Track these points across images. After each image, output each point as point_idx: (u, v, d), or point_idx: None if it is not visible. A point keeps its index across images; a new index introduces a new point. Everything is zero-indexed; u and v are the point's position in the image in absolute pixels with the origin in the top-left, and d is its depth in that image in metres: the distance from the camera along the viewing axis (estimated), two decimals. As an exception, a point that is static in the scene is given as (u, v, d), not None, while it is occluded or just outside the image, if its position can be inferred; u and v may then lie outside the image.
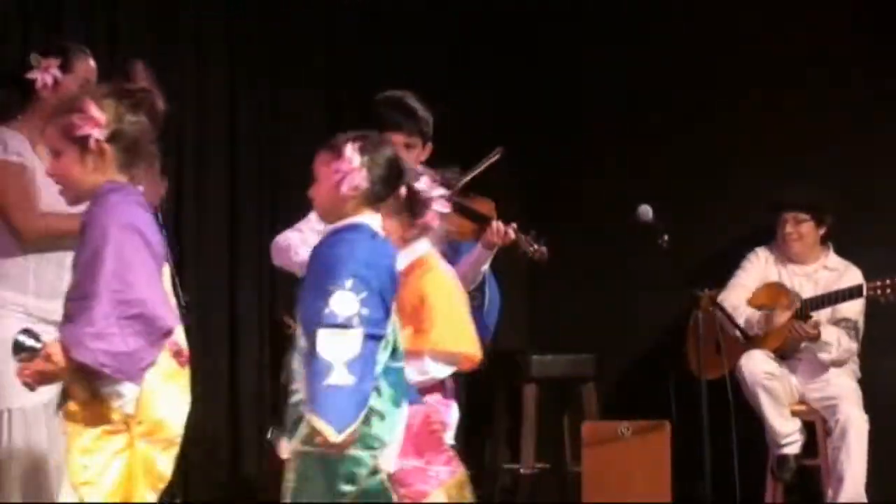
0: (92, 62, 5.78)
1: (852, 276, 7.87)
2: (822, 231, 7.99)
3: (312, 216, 5.65)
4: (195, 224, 7.84)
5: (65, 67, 5.66)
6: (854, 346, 7.89)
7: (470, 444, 8.59)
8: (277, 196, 8.21)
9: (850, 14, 8.34)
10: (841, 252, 8.07)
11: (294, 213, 7.81)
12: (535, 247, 5.46)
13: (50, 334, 5.00)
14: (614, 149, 8.97)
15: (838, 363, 7.81)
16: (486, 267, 5.62)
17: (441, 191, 5.21)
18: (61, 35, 7.18)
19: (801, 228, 7.95)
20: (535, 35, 9.31)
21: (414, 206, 5.02)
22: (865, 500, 7.65)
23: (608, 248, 8.70)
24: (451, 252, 5.55)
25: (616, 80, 9.01)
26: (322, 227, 5.40)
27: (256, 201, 8.16)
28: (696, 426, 7.02)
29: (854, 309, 7.85)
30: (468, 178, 5.78)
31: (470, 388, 8.47)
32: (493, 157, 5.88)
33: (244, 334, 7.99)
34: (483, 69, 9.29)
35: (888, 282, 7.56)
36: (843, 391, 7.75)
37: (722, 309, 7.37)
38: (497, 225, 5.42)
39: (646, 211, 7.09)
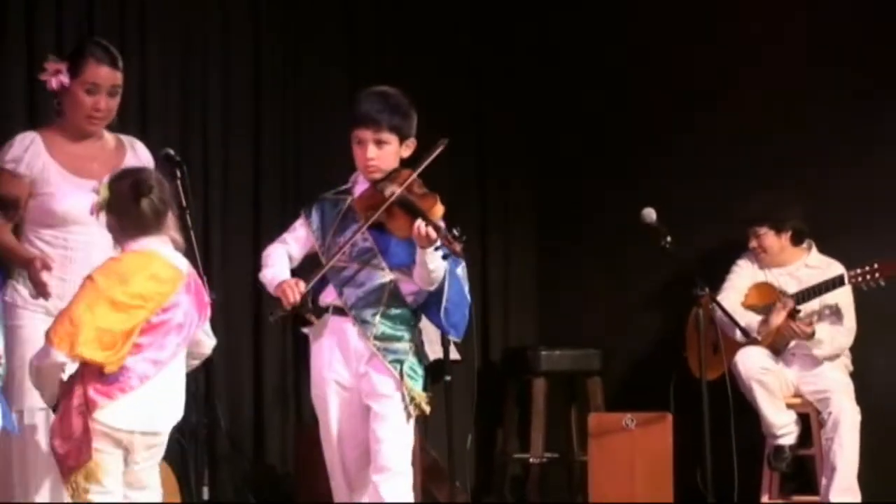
0: (102, 68, 5.57)
1: (834, 270, 7.84)
2: (786, 236, 7.97)
3: (297, 224, 5.66)
4: (221, 230, 7.81)
5: (73, 72, 5.55)
6: (846, 341, 7.88)
7: (482, 435, 8.69)
8: (300, 198, 7.80)
9: (829, 31, 8.25)
10: (828, 249, 8.03)
11: None
12: (453, 244, 5.24)
13: None
14: (621, 155, 8.89)
15: (830, 357, 7.81)
16: (434, 266, 5.36)
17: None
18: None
19: (763, 241, 7.95)
20: (549, 44, 9.23)
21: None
22: (858, 489, 7.63)
23: (614, 250, 8.67)
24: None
25: (623, 92, 8.93)
26: (304, 234, 5.61)
27: (279, 207, 8.04)
28: (697, 418, 7.06)
29: (844, 302, 7.84)
30: (417, 171, 5.48)
31: (482, 381, 8.44)
32: (439, 149, 5.52)
33: (267, 331, 7.91)
34: (502, 76, 9.21)
35: (867, 269, 7.54)
36: (835, 384, 7.72)
37: (721, 308, 7.36)
38: (417, 224, 5.23)
39: (649, 214, 7.09)
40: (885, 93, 8.19)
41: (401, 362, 5.41)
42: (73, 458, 4.95)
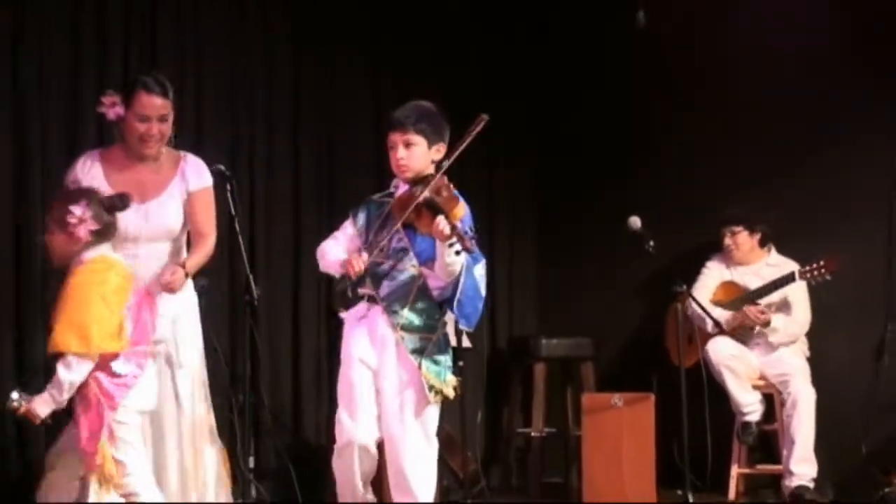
0: (152, 98, 5.59)
1: (790, 267, 7.89)
2: (756, 237, 8.08)
3: (346, 223, 5.70)
4: (264, 234, 7.82)
5: (127, 103, 5.59)
6: (798, 330, 7.97)
7: (490, 412, 8.90)
8: (333, 208, 8.02)
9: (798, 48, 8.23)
10: (788, 250, 8.09)
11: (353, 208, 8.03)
12: (465, 241, 5.24)
13: None
14: (613, 170, 8.91)
15: (784, 344, 7.89)
16: (450, 260, 5.32)
17: None
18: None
19: (737, 238, 8.05)
20: (549, 49, 9.25)
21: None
22: (814, 459, 7.67)
23: (606, 251, 8.71)
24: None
25: (617, 111, 8.94)
26: (352, 232, 5.66)
27: (315, 214, 8.05)
28: (675, 399, 7.13)
29: (799, 296, 7.92)
30: (458, 151, 5.48)
31: (490, 365, 8.64)
32: (478, 127, 5.51)
33: (305, 325, 7.97)
34: (517, 85, 9.20)
35: (814, 266, 7.64)
36: (794, 369, 7.82)
37: (697, 302, 7.43)
38: (437, 220, 5.22)
39: (635, 221, 7.17)
40: (841, 115, 8.15)
41: (421, 352, 5.44)
42: (99, 455, 5.13)
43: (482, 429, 8.75)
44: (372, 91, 8.51)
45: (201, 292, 6.38)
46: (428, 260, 5.42)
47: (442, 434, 7.38)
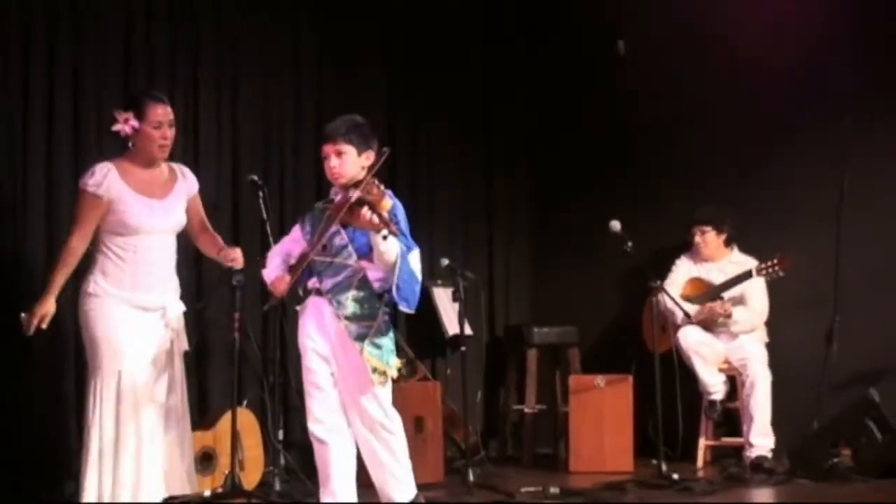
0: (161, 107, 5.63)
1: (750, 265, 7.93)
2: (723, 236, 8.11)
3: (295, 228, 5.66)
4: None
5: (140, 116, 5.59)
6: (757, 320, 8.02)
7: (489, 391, 8.97)
8: None
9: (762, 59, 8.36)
10: (750, 248, 8.13)
11: None
12: (391, 226, 5.15)
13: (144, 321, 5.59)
14: (600, 176, 8.98)
15: (745, 332, 7.96)
16: (385, 248, 5.20)
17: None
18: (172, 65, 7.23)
19: (706, 237, 8.11)
20: (551, 57, 9.28)
21: None
22: (771, 433, 7.78)
23: (591, 251, 8.73)
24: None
25: (605, 127, 9.02)
26: (298, 236, 5.59)
27: None
28: (650, 381, 7.32)
29: (757, 290, 7.97)
30: (370, 174, 5.35)
31: (489, 351, 8.86)
32: (383, 157, 5.40)
33: None
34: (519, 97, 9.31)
35: (769, 263, 7.71)
36: (752, 354, 7.89)
37: (669, 294, 7.54)
38: (364, 211, 5.14)
39: (615, 225, 7.30)
40: (796, 134, 8.32)
41: (363, 337, 5.33)
42: None
43: (482, 406, 8.83)
44: (383, 107, 8.50)
45: (237, 286, 6.39)
46: (367, 254, 5.36)
47: (447, 410, 7.59)
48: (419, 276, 5.39)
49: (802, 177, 8.33)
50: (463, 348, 7.28)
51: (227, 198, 7.53)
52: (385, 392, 5.39)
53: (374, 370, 5.31)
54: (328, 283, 5.42)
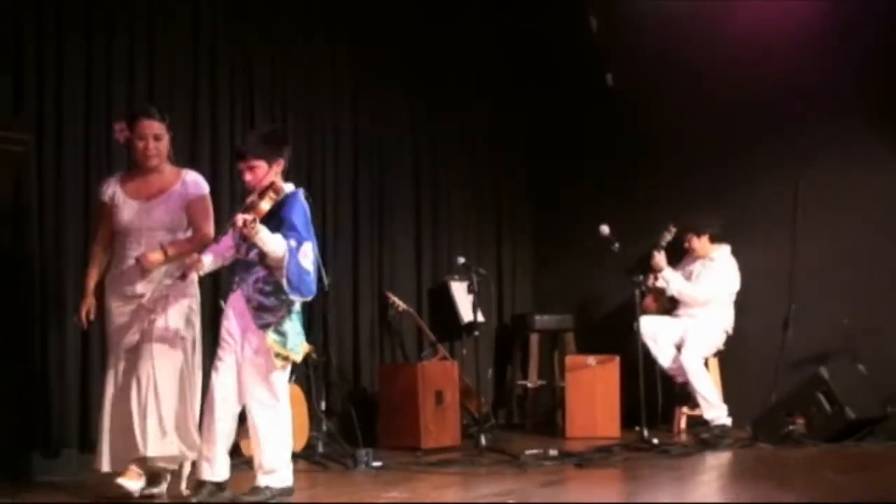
0: (147, 122, 5.40)
1: (716, 255, 7.95)
2: (705, 237, 8.03)
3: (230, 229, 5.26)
4: (332, 238, 7.76)
5: (130, 128, 5.42)
6: (695, 294, 7.89)
7: (498, 369, 8.97)
8: (383, 218, 8.18)
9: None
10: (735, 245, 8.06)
11: (397, 223, 8.18)
12: (243, 230, 4.89)
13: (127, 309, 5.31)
14: (594, 183, 8.90)
15: (686, 303, 7.92)
16: (267, 249, 4.98)
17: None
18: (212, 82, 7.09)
19: (691, 242, 8.11)
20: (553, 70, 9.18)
21: None
22: (721, 404, 7.78)
23: (585, 250, 8.51)
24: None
25: (599, 139, 8.96)
26: (228, 236, 5.27)
27: (369, 223, 8.07)
28: (635, 360, 7.35)
29: (710, 275, 7.91)
30: (264, 186, 5.13)
31: (498, 335, 8.86)
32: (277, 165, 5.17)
33: (362, 305, 7.97)
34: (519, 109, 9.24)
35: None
36: (688, 340, 7.80)
37: (641, 291, 7.39)
38: (235, 217, 4.93)
39: (603, 229, 7.40)
40: (762, 149, 8.29)
41: (268, 325, 5.11)
42: None
43: (492, 382, 8.84)
44: (408, 127, 8.48)
45: None
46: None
47: (462, 385, 7.61)
48: (310, 267, 5.10)
49: (765, 189, 8.31)
50: (476, 333, 7.27)
51: None
52: (282, 377, 5.16)
53: (277, 355, 5.08)
54: (242, 278, 5.24)
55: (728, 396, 8.04)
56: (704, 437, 7.52)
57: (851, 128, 8.06)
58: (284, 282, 5.02)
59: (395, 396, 7.40)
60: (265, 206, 5.07)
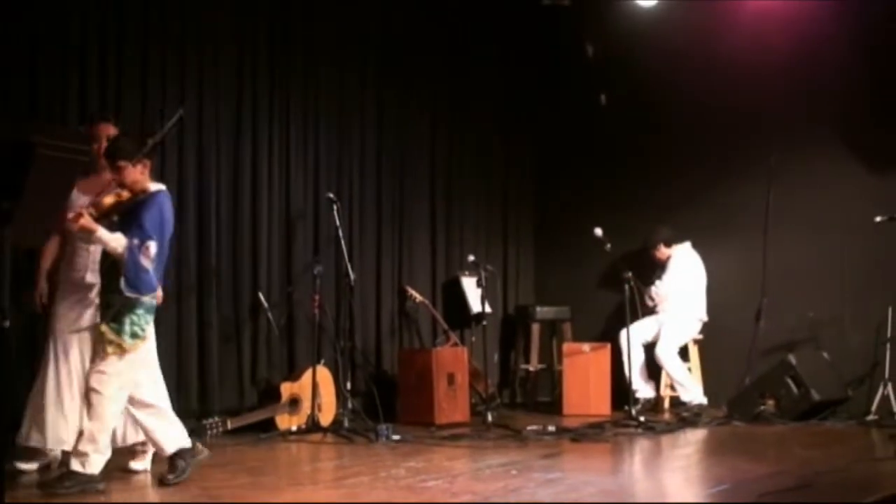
0: (105, 125, 5.21)
1: (679, 256, 7.94)
2: (660, 246, 8.02)
3: None
4: (358, 238, 7.77)
5: (90, 132, 5.22)
6: (664, 291, 7.87)
7: (503, 354, 8.90)
8: (402, 220, 8.15)
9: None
10: (704, 245, 8.05)
11: (415, 225, 8.14)
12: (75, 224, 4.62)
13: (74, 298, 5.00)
14: (590, 189, 8.86)
15: (661, 302, 7.91)
16: (110, 246, 4.69)
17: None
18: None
19: (653, 255, 8.09)
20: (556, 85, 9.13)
21: None
22: (696, 386, 7.80)
23: (582, 248, 8.33)
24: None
25: (595, 150, 8.89)
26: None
27: (390, 228, 8.06)
28: (620, 350, 7.45)
29: (668, 276, 7.92)
30: (155, 141, 4.85)
31: (503, 324, 8.81)
32: (176, 118, 4.95)
33: (384, 297, 7.97)
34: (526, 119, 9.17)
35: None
36: (661, 334, 7.79)
37: (631, 287, 7.17)
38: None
39: (597, 231, 7.31)
40: (738, 158, 8.19)
41: (107, 314, 4.73)
42: None
43: (498, 365, 8.81)
44: (428, 142, 8.47)
45: (317, 275, 6.57)
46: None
47: (471, 367, 7.58)
48: (146, 264, 4.73)
49: (740, 198, 8.26)
50: (484, 322, 7.35)
51: (310, 210, 7.50)
52: (113, 365, 4.73)
53: (111, 342, 4.71)
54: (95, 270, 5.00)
55: (706, 379, 8.04)
56: (685, 415, 7.48)
57: (817, 139, 8.00)
58: (122, 279, 4.71)
59: (412, 378, 7.39)
60: (108, 200, 4.79)
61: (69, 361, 5.07)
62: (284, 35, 7.37)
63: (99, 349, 4.77)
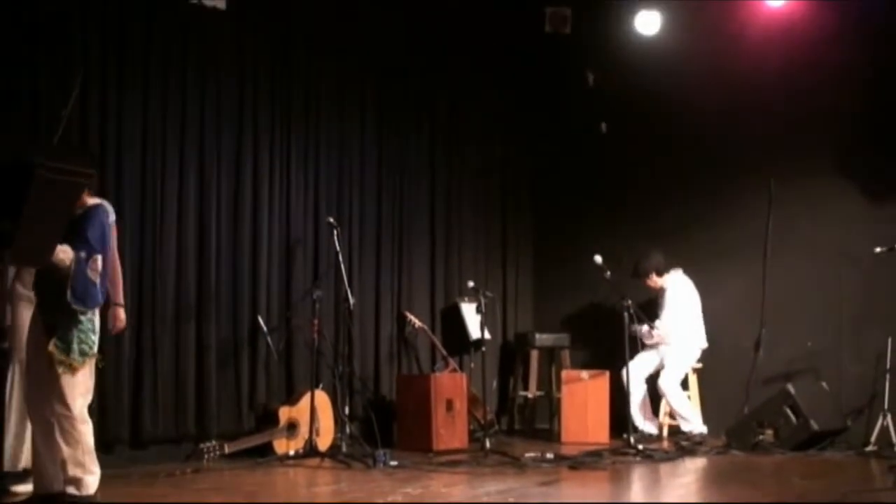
0: None
1: (672, 286, 7.80)
2: (650, 275, 7.87)
3: None
4: (358, 263, 7.74)
5: None
6: (663, 329, 7.73)
7: (502, 381, 8.83)
8: (402, 244, 8.12)
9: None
10: (700, 272, 7.95)
11: (414, 251, 8.09)
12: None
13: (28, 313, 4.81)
14: (589, 218, 8.83)
15: (662, 336, 7.78)
16: (57, 258, 4.50)
17: None
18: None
19: (645, 283, 7.96)
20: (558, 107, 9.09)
21: None
22: (695, 418, 7.69)
23: (581, 276, 8.37)
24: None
25: (594, 178, 8.86)
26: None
27: (390, 250, 8.03)
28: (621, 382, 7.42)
29: (663, 309, 7.80)
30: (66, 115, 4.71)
31: (502, 351, 8.78)
32: (76, 93, 4.82)
33: (382, 322, 7.91)
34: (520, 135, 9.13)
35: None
36: (665, 365, 7.73)
37: (629, 313, 7.15)
38: None
39: (597, 258, 7.29)
40: (735, 186, 8.18)
41: (53, 333, 4.57)
42: None
43: (496, 392, 8.77)
44: (428, 168, 8.47)
45: (316, 300, 6.54)
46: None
47: (470, 394, 7.57)
48: (95, 279, 4.63)
49: (739, 223, 8.26)
50: (483, 349, 7.33)
51: (310, 235, 7.49)
52: (69, 381, 4.61)
53: (60, 363, 4.57)
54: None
55: (705, 408, 8.00)
56: (684, 444, 7.45)
57: (816, 167, 7.98)
58: (69, 291, 4.56)
59: (410, 404, 7.37)
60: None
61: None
62: (285, 61, 7.40)
63: (44, 371, 4.60)
